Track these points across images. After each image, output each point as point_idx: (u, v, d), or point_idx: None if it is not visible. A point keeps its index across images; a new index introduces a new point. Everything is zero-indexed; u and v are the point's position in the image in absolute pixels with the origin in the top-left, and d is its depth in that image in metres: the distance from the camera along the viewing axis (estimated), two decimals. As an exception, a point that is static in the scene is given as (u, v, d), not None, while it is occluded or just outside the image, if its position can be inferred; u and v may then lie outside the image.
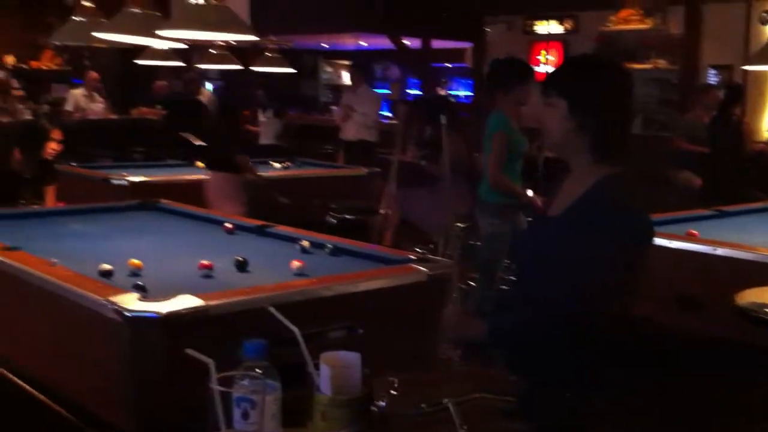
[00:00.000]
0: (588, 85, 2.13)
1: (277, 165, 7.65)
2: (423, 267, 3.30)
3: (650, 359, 2.26)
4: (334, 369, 1.45)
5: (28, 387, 3.76)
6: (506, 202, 4.82)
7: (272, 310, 1.64)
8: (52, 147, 5.47)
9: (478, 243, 4.66)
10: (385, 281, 3.21)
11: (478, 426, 1.73)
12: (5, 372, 3.96)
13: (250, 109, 10.46)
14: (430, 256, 3.65)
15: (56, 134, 5.47)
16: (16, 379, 3.87)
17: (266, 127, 9.46)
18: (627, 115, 2.20)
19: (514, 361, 2.07)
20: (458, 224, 5.85)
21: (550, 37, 11.82)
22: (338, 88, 14.51)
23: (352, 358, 1.49)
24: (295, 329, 1.54)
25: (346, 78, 14.05)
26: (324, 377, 1.45)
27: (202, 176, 6.79)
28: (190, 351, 1.43)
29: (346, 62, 14.06)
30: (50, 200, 5.62)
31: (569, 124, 2.10)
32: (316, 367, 1.51)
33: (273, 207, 6.03)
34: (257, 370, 1.44)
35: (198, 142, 8.13)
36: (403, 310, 3.20)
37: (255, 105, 9.96)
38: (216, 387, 1.36)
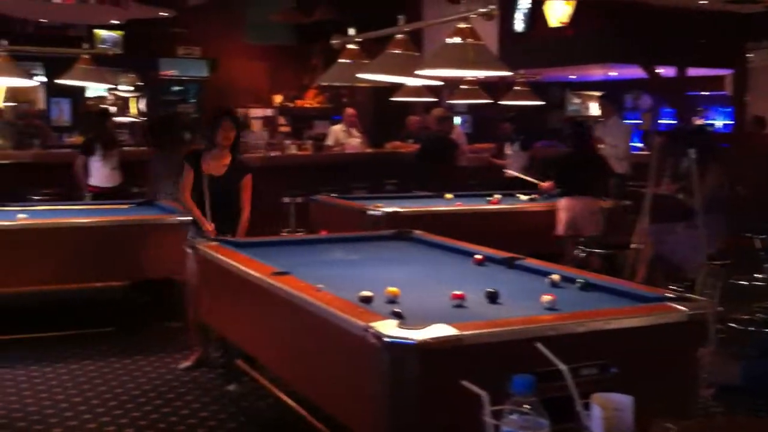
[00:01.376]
0: None
1: (523, 197, 7.66)
2: (681, 306, 3.16)
3: None
4: (605, 410, 1.43)
5: (291, 402, 4.08)
6: None
7: (540, 346, 1.64)
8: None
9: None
10: (641, 320, 3.11)
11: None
12: (271, 387, 4.32)
13: (496, 143, 10.59)
14: (689, 294, 3.49)
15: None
16: (281, 394, 4.21)
17: (512, 160, 9.52)
18: None
19: None
20: (717, 261, 5.55)
21: (823, 61, 10.86)
22: (586, 120, 14.26)
23: (625, 400, 1.46)
24: (563, 366, 1.54)
25: (594, 109, 13.77)
26: (595, 418, 1.43)
27: (450, 207, 6.99)
28: (465, 383, 1.48)
29: (595, 93, 13.78)
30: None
31: None
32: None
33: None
34: (526, 405, 1.45)
35: (528, 177, 8.29)
36: (660, 351, 3.08)
37: (502, 138, 10.06)
38: (490, 420, 1.39)
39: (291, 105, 14.86)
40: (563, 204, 6.74)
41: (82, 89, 12.74)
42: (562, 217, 6.70)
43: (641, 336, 3.08)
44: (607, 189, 7.06)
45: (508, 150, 9.64)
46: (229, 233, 5.06)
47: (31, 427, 4.19)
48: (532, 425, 1.42)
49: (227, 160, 5.27)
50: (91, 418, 4.31)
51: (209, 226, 5.16)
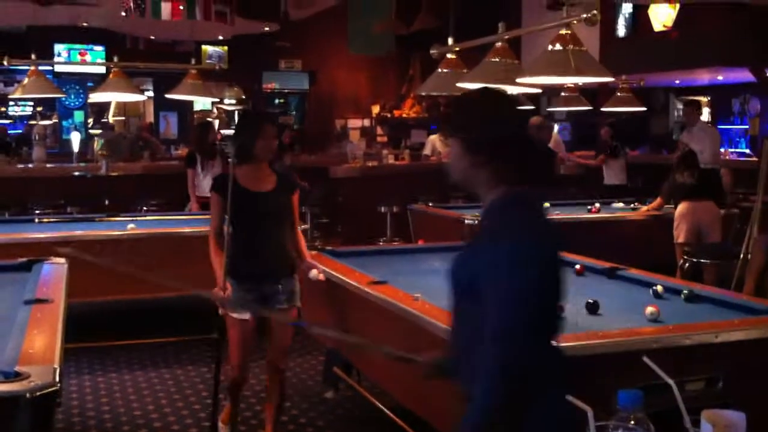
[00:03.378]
0: (474, 125, 2.05)
1: (620, 205, 7.48)
2: (794, 319, 3.02)
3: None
4: (716, 427, 1.37)
5: (388, 412, 4.09)
6: None
7: (647, 360, 1.59)
8: None
9: None
10: (750, 332, 2.99)
11: None
12: (368, 395, 4.34)
13: (595, 151, 10.36)
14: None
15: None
16: (377, 403, 4.23)
17: (610, 168, 9.32)
18: (523, 147, 2.07)
19: None
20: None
21: None
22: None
23: (737, 417, 1.39)
24: (671, 381, 1.48)
25: (702, 114, 13.33)
26: (705, 435, 1.37)
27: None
28: (570, 398, 1.45)
29: (702, 98, 13.34)
30: None
31: (466, 162, 2.06)
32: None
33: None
34: (632, 421, 1.41)
35: None
36: (771, 366, 2.95)
37: (600, 145, 9.83)
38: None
39: (389, 115, 14.97)
40: (683, 209, 6.48)
41: (189, 103, 13.19)
42: (683, 224, 6.45)
43: (752, 349, 2.96)
44: (725, 200, 6.78)
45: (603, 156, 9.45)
46: (283, 278, 3.92)
47: (137, 431, 4.34)
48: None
49: (270, 174, 4.02)
50: (193, 423, 4.44)
51: (221, 291, 3.78)
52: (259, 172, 3.98)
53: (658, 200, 7.01)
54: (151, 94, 13.42)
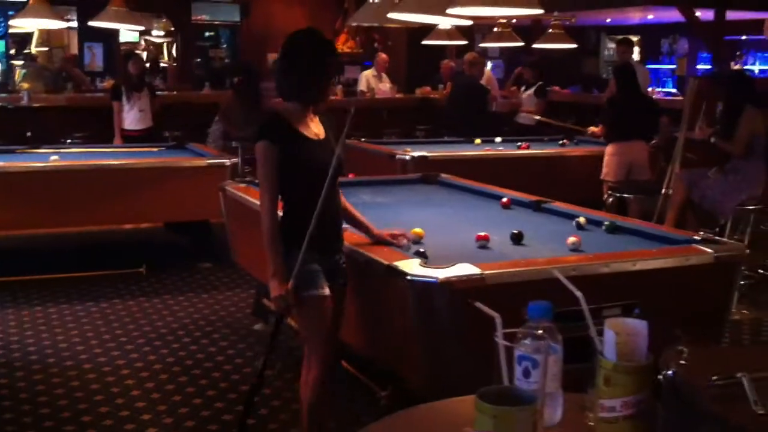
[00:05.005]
0: None
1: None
2: (709, 248, 3.13)
3: None
4: (619, 335, 1.42)
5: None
6: None
7: (557, 273, 1.63)
8: None
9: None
10: (665, 261, 3.09)
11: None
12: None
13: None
14: (718, 237, 3.45)
15: None
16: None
17: (526, 106, 9.35)
18: None
19: None
20: (750, 207, 5.47)
21: None
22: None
23: (639, 325, 1.45)
24: (579, 294, 1.52)
25: (634, 54, 13.48)
26: (609, 342, 1.42)
27: (478, 153, 6.94)
28: (478, 304, 1.48)
29: (632, 37, 13.48)
30: None
31: None
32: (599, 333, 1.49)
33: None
34: (540, 331, 1.45)
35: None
36: (685, 293, 3.06)
37: (521, 83, 9.83)
38: (501, 341, 1.39)
39: (322, 50, 14.73)
40: (615, 149, 6.49)
41: (114, 34, 12.73)
42: (614, 162, 6.47)
43: (667, 277, 3.06)
44: (657, 131, 6.82)
45: (522, 95, 9.43)
46: (342, 248, 3.12)
47: (62, 363, 4.29)
48: (545, 349, 1.42)
49: (315, 117, 3.15)
50: (120, 355, 4.40)
51: (286, 285, 2.87)
52: (307, 114, 3.08)
53: (600, 127, 7.12)
54: (74, 24, 12.91)
